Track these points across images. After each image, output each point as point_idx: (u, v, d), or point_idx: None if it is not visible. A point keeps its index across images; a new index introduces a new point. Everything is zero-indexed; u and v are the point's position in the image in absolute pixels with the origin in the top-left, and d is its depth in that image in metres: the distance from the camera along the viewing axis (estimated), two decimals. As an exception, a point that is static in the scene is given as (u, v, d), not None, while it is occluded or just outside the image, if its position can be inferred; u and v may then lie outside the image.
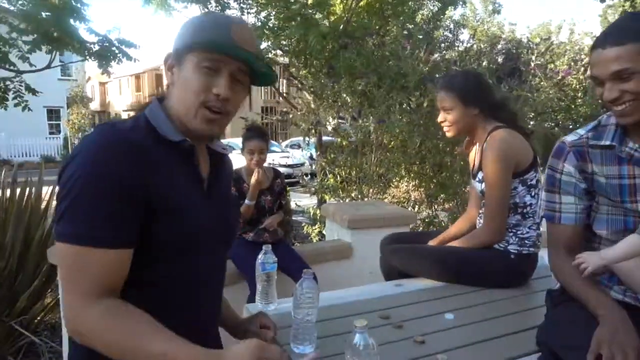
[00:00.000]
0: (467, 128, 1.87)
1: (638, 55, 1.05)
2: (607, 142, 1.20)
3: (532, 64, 5.74)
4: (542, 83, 5.33)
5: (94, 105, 28.40)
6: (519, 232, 1.79)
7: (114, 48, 5.07)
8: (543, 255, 1.65)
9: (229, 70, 0.93)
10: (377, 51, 4.52)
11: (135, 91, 28.61)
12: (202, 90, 0.92)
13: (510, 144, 1.75)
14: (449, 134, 1.91)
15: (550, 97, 5.22)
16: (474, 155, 1.96)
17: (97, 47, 5.04)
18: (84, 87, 24.81)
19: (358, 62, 4.27)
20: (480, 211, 1.91)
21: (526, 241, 1.79)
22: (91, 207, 0.81)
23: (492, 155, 1.74)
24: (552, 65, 6.20)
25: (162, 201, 0.88)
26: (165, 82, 1.01)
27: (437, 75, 4.38)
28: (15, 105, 5.16)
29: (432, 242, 2.02)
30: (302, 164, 11.53)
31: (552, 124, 5.86)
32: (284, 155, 12.23)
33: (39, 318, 2.81)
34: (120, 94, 30.49)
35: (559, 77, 5.58)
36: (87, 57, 5.08)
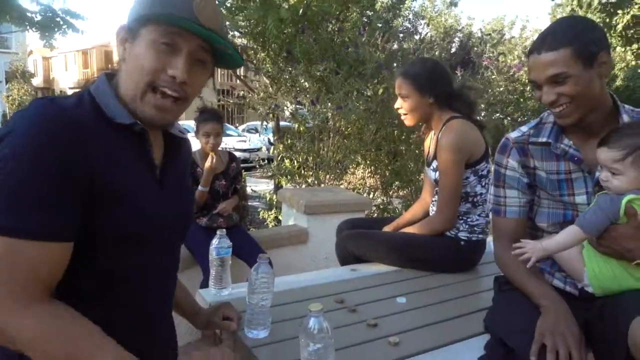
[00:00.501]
0: (423, 117, 1.90)
1: (572, 59, 1.10)
2: (544, 139, 1.26)
3: (485, 57, 5.93)
4: (494, 76, 5.52)
5: (37, 82, 26.70)
6: (469, 220, 1.86)
7: (58, 19, 4.73)
8: (491, 241, 1.72)
9: (189, 49, 0.83)
10: (336, 37, 4.50)
11: (82, 68, 27.07)
12: (154, 69, 0.81)
13: (465, 135, 1.79)
14: (406, 122, 1.94)
15: (502, 90, 5.42)
16: (429, 143, 2.00)
17: (39, 17, 4.68)
18: (26, 61, 23.25)
19: (316, 47, 4.23)
20: (434, 199, 1.95)
21: (475, 228, 1.85)
22: (24, 193, 0.69)
23: (447, 145, 1.77)
24: (504, 59, 6.42)
25: (107, 188, 0.78)
26: (115, 58, 0.89)
27: (394, 65, 4.43)
28: None
29: (387, 228, 2.05)
30: (259, 149, 11.40)
31: (502, 116, 6.10)
32: (240, 139, 12.05)
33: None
34: (66, 70, 28.76)
35: (511, 72, 5.79)
36: (28, 28, 4.71)
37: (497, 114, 5.71)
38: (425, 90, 1.83)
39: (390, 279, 1.78)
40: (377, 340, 1.28)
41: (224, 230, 1.56)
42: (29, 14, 4.56)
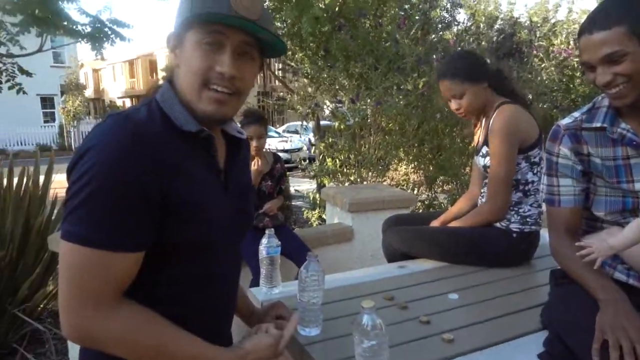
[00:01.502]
0: (482, 105, 1.83)
1: (626, 36, 1.04)
2: (598, 124, 1.20)
3: (534, 45, 5.70)
4: (543, 64, 5.30)
5: (88, 93, 28.09)
6: (520, 210, 1.79)
7: (106, 29, 4.95)
8: (545, 233, 1.66)
9: (232, 44, 0.84)
10: (374, 32, 4.46)
11: (129, 78, 28.30)
12: (204, 69, 0.84)
13: (517, 120, 1.73)
14: (466, 118, 1.91)
15: (552, 77, 5.19)
16: (479, 130, 1.95)
17: (88, 29, 4.92)
18: (78, 74, 24.53)
19: (353, 44, 4.21)
20: (483, 190, 1.90)
21: (528, 219, 1.79)
22: (107, 209, 0.75)
23: (499, 129, 1.71)
24: (553, 45, 6.14)
25: (180, 201, 0.82)
26: (160, 66, 0.95)
27: (433, 57, 4.34)
28: (9, 88, 5.07)
29: (434, 223, 2.01)
30: (300, 149, 11.49)
31: (551, 105, 5.84)
32: (281, 140, 12.18)
33: (41, 306, 2.82)
34: (114, 80, 30.16)
35: (561, 58, 5.54)
36: (79, 40, 4.96)
37: (546, 104, 5.48)
38: (477, 78, 1.78)
39: (440, 275, 1.75)
40: (430, 337, 1.26)
41: (272, 229, 1.58)
42: (79, 26, 4.79)
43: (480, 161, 1.86)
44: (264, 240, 1.54)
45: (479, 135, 1.93)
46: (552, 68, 5.27)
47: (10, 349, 2.61)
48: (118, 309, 0.78)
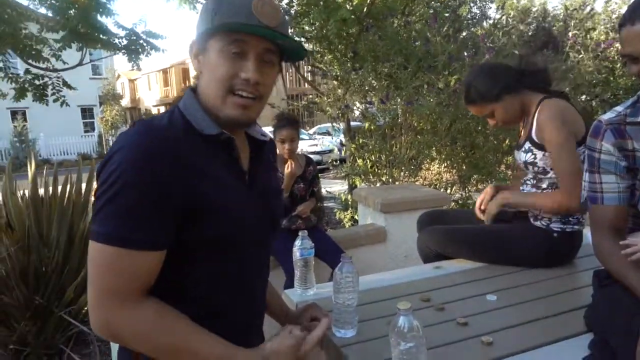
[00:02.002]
0: (518, 113, 1.79)
1: None
2: None
3: (570, 34, 5.50)
4: (580, 55, 5.11)
5: (125, 102, 29.09)
6: None
7: (141, 41, 5.15)
8: (588, 232, 1.60)
9: (256, 52, 0.87)
10: (402, 32, 4.42)
11: (163, 86, 29.11)
12: (229, 76, 0.86)
13: (564, 111, 1.66)
14: (510, 127, 1.86)
15: (590, 70, 4.99)
16: (520, 128, 1.90)
17: (125, 42, 5.14)
18: (115, 84, 25.43)
19: (381, 44, 4.18)
20: (523, 187, 1.83)
21: (570, 218, 1.72)
22: (129, 209, 0.78)
23: (550, 120, 1.64)
24: (590, 37, 5.90)
25: (201, 203, 0.84)
26: (192, 74, 0.98)
27: (464, 53, 4.26)
28: (54, 100, 5.33)
29: (505, 194, 1.86)
30: (331, 151, 11.50)
31: (589, 97, 5.61)
32: (311, 142, 12.22)
33: (86, 308, 2.93)
34: (149, 89, 31.10)
35: (600, 49, 5.32)
36: (116, 52, 5.19)
37: (584, 96, 5.27)
38: (498, 94, 1.74)
39: (477, 276, 1.71)
40: (469, 340, 1.23)
41: (306, 231, 1.59)
42: (116, 39, 5.03)
43: (522, 156, 1.80)
44: (298, 242, 1.55)
45: (520, 132, 1.88)
46: (590, 61, 5.06)
47: (57, 349, 2.72)
48: (142, 306, 0.81)
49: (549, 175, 1.73)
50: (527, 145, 1.75)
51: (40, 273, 2.63)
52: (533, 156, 1.73)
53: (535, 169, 1.75)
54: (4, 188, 2.77)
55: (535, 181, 1.78)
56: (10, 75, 5.17)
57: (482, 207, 1.88)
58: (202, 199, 0.84)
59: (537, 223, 1.76)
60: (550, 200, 1.69)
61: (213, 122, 0.89)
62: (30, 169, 2.92)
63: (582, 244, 1.78)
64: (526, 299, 1.49)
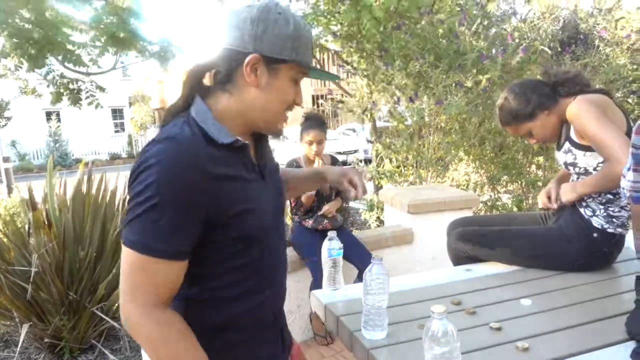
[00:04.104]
0: (556, 127, 1.74)
1: None
2: None
3: (599, 28, 5.31)
4: (611, 49, 4.92)
5: (154, 103, 29.75)
6: (609, 209, 1.65)
7: (172, 47, 5.32)
8: (630, 237, 1.53)
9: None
10: (431, 29, 4.35)
11: (190, 87, 29.53)
12: (292, 100, 0.99)
13: (600, 100, 1.61)
14: (545, 143, 1.85)
15: (622, 63, 4.80)
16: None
17: (157, 48, 5.31)
18: (144, 86, 26.01)
19: (412, 42, 4.13)
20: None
21: (614, 220, 1.65)
22: (160, 223, 0.83)
23: (580, 106, 1.59)
24: (620, 26, 5.66)
25: (232, 208, 0.90)
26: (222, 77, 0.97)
27: (493, 51, 4.15)
28: (89, 104, 5.56)
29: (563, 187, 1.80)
30: (356, 151, 11.46)
31: (625, 92, 5.38)
32: (337, 142, 12.22)
33: (117, 305, 2.99)
34: (177, 90, 31.62)
35: (631, 42, 5.12)
36: (148, 57, 5.37)
37: (620, 92, 5.06)
38: (532, 113, 1.71)
39: (511, 280, 1.66)
40: (503, 345, 1.20)
41: (335, 232, 1.58)
42: (149, 46, 5.22)
43: (562, 157, 1.75)
44: (327, 243, 1.54)
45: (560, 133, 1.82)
46: (622, 55, 4.86)
47: (89, 344, 2.79)
48: (159, 313, 0.86)
49: (591, 176, 1.67)
50: (567, 145, 1.70)
51: (74, 270, 2.70)
52: (573, 156, 1.68)
53: (577, 169, 1.69)
54: (46, 187, 2.86)
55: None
56: (56, 79, 5.41)
57: (553, 197, 1.84)
58: (232, 204, 0.90)
59: (582, 210, 1.69)
60: (605, 174, 1.57)
61: (226, 131, 0.93)
62: (79, 169, 3.02)
63: (624, 248, 1.71)
64: (563, 304, 1.44)
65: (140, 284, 0.86)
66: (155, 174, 0.83)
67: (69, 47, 4.79)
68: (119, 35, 4.84)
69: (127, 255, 0.86)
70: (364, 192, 1.27)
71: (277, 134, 1.03)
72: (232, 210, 0.90)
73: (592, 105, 1.58)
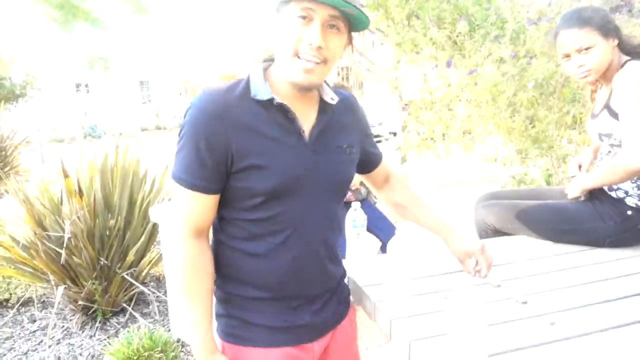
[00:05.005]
0: (608, 66, 1.60)
1: None
2: None
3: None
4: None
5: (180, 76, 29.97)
6: None
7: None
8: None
9: (321, 18, 0.94)
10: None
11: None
12: (295, 41, 0.95)
13: None
14: (588, 79, 1.62)
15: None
16: (592, 95, 1.75)
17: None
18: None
19: (448, 8, 3.96)
20: (598, 161, 1.70)
21: (648, 196, 1.59)
22: (187, 157, 0.97)
23: (630, 80, 1.49)
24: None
25: (250, 156, 0.97)
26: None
27: (538, 18, 3.96)
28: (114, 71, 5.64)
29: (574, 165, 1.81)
30: (381, 123, 11.32)
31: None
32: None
33: (145, 271, 3.10)
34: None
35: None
36: None
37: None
38: (608, 31, 1.55)
39: (538, 254, 1.63)
40: (528, 319, 1.18)
41: (358, 203, 1.57)
42: None
43: (597, 127, 1.65)
44: (351, 214, 1.54)
45: (595, 99, 1.73)
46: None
47: (120, 307, 2.91)
48: (188, 242, 1.01)
49: (597, 170, 1.61)
50: (605, 113, 1.61)
51: (104, 236, 2.79)
52: (610, 127, 1.59)
53: (612, 140, 1.61)
54: (77, 157, 2.94)
55: (610, 154, 1.65)
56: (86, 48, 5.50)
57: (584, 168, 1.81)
58: (250, 152, 0.97)
59: (612, 194, 1.63)
60: (617, 165, 1.52)
61: (267, 89, 1.00)
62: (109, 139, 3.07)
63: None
64: (593, 279, 1.41)
65: (176, 212, 1.01)
66: (187, 117, 0.98)
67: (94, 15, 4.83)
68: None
69: (171, 184, 1.02)
70: (488, 271, 1.38)
71: (299, 85, 1.00)
72: (246, 162, 0.97)
73: None
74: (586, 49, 1.56)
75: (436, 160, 3.90)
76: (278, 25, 0.99)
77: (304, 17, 0.94)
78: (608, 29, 1.56)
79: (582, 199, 1.73)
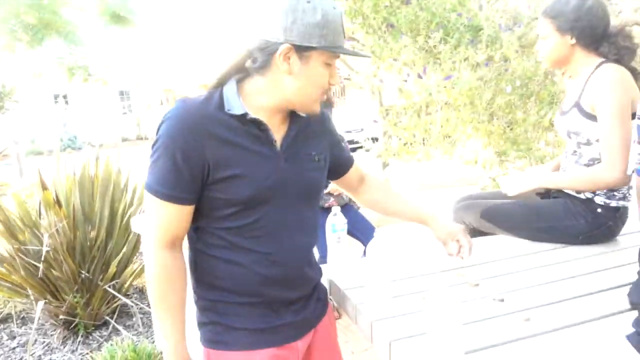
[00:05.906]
0: (561, 59, 1.68)
1: None
2: None
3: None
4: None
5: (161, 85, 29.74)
6: None
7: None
8: (635, 208, 1.52)
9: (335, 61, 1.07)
10: (439, 2, 4.25)
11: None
12: (325, 83, 1.05)
13: (624, 77, 1.56)
14: (543, 64, 1.77)
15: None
16: (568, 90, 1.80)
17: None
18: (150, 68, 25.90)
19: (422, 15, 4.04)
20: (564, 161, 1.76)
21: (615, 193, 1.65)
22: (163, 169, 0.99)
23: (610, 87, 1.54)
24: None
25: (224, 167, 1.00)
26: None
27: (514, 25, 4.06)
28: (95, 81, 5.60)
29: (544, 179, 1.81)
30: (362, 129, 11.39)
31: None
32: (344, 120, 12.13)
33: (128, 282, 3.06)
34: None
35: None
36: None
37: None
38: (565, 30, 1.62)
39: (514, 252, 1.67)
40: (505, 316, 1.21)
41: (339, 207, 1.59)
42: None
43: (565, 124, 1.70)
44: (330, 219, 1.56)
45: (566, 95, 1.78)
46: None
47: (102, 320, 2.87)
48: (162, 253, 1.02)
49: (592, 148, 1.65)
50: (575, 111, 1.66)
51: (85, 248, 2.76)
52: (579, 125, 1.65)
53: (579, 138, 1.66)
54: (55, 168, 2.90)
55: (575, 153, 1.71)
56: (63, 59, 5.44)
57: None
58: (225, 163, 1.00)
59: (581, 195, 1.69)
60: (589, 175, 1.61)
61: (241, 104, 1.03)
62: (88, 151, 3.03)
63: (627, 221, 1.71)
64: (566, 276, 1.45)
65: (150, 222, 1.02)
66: (163, 129, 1.00)
67: (69, 28, 4.78)
68: (120, 15, 4.82)
69: (145, 195, 1.04)
70: (470, 252, 1.41)
71: (313, 114, 1.10)
72: (222, 173, 1.00)
73: (623, 92, 1.53)
74: (543, 37, 1.69)
75: (417, 164, 3.95)
76: (304, 69, 1.02)
77: (329, 65, 1.04)
78: (568, 27, 1.61)
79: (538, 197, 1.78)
